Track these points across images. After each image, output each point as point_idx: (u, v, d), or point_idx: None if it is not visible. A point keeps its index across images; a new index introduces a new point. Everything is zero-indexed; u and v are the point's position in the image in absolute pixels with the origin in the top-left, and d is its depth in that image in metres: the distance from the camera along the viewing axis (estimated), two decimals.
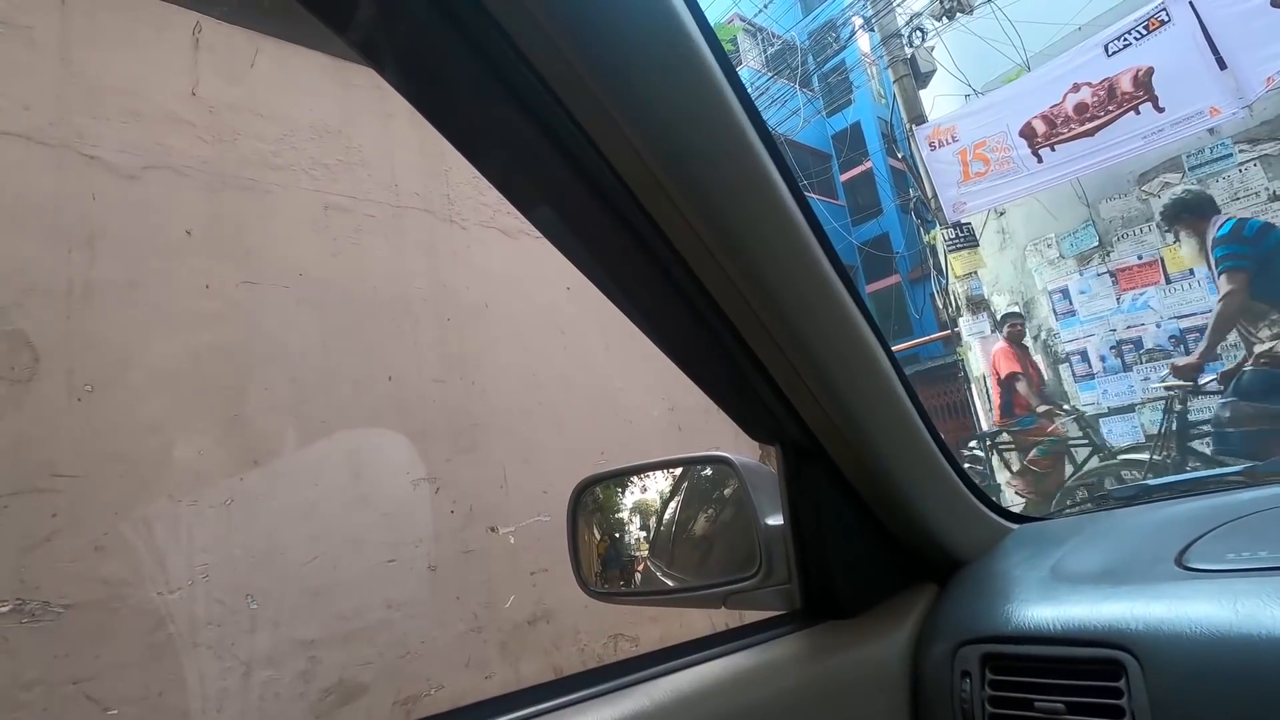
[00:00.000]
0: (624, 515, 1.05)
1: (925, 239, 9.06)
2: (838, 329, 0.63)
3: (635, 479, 1.05)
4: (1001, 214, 7.22)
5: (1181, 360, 5.05)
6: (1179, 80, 5.25)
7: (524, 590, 2.29)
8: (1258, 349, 4.03)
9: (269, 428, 1.90)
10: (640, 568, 1.01)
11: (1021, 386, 5.74)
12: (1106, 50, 5.60)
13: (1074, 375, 6.55)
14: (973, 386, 8.11)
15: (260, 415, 1.89)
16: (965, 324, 6.96)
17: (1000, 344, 6.04)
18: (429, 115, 0.49)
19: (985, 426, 8.07)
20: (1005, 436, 6.04)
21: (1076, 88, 5.80)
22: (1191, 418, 4.49)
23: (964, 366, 8.62)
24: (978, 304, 6.82)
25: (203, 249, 1.90)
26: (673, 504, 1.00)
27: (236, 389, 1.87)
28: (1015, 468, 5.94)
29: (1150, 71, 5.39)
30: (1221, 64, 5.08)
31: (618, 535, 1.07)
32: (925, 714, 0.70)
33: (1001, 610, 0.69)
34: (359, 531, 1.99)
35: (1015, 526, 0.90)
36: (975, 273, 6.88)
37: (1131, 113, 5.52)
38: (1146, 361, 6.01)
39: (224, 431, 1.82)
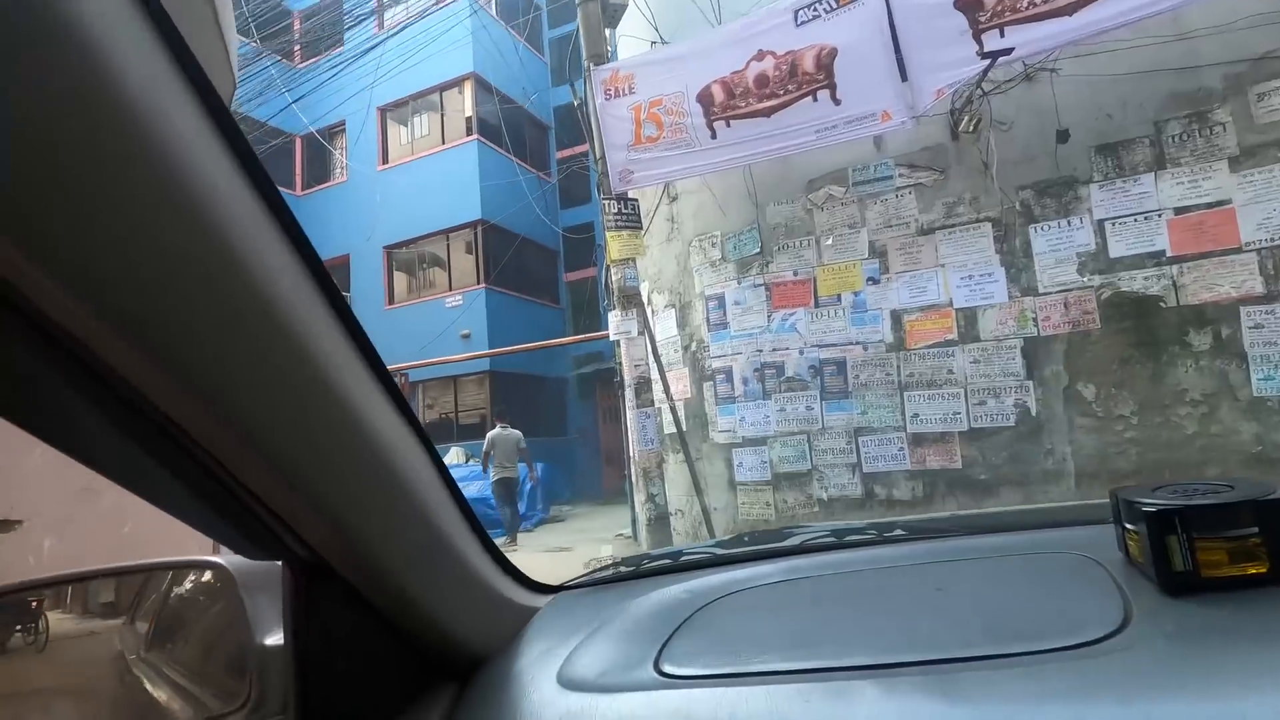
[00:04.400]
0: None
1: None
2: (331, 436, 0.52)
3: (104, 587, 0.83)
4: (674, 199, 6.17)
5: None
6: (859, 70, 4.51)
7: None
8: None
9: None
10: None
11: None
12: (796, 18, 4.69)
13: (716, 396, 5.69)
14: (624, 394, 7.04)
15: None
16: (614, 319, 5.72)
17: None
18: None
19: (633, 439, 7.02)
20: None
21: (761, 55, 4.82)
22: None
23: (619, 370, 7.56)
24: (630, 298, 5.62)
25: None
26: (157, 616, 0.86)
27: None
28: None
29: (834, 53, 4.58)
30: (901, 65, 4.42)
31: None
32: None
33: None
34: None
35: (543, 602, 0.87)
36: (633, 260, 5.68)
37: (809, 98, 4.68)
38: (785, 391, 5.33)
39: None
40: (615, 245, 5.62)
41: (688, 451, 5.60)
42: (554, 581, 0.94)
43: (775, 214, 5.48)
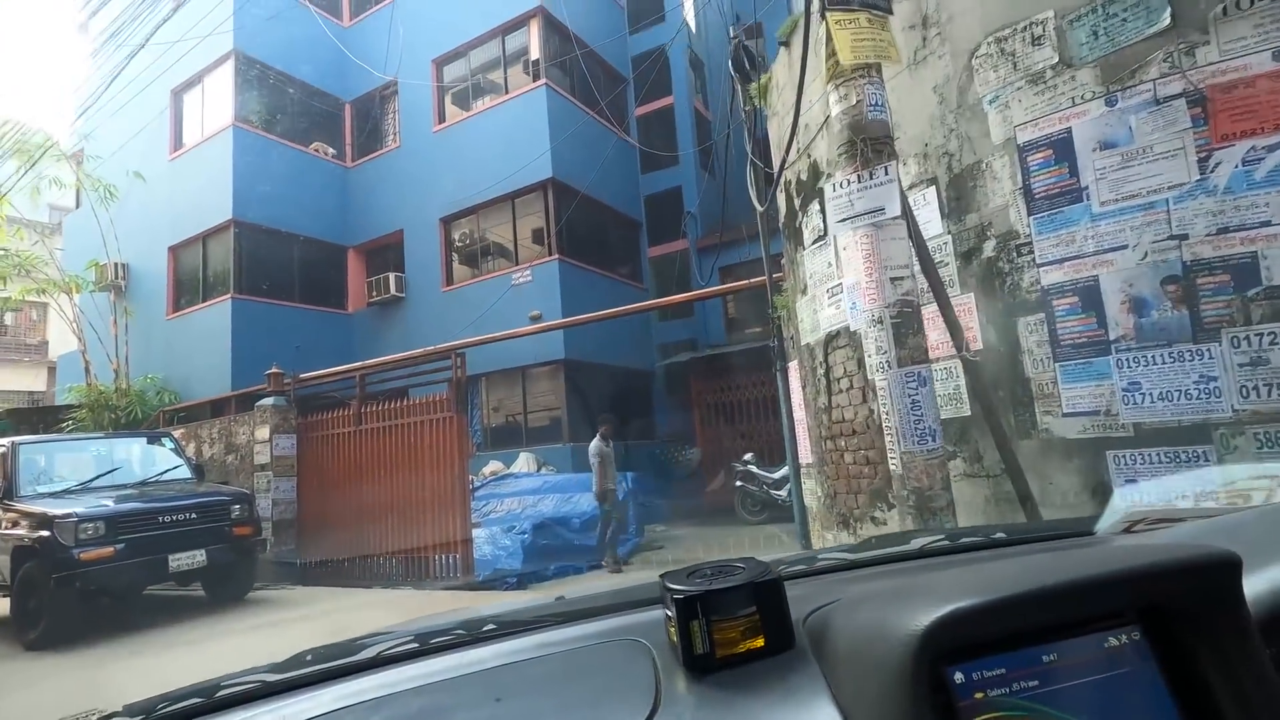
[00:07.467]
0: None
1: (754, 87, 5.01)
2: None
3: None
4: None
5: None
6: None
7: None
8: None
9: None
10: None
11: None
12: None
13: (1054, 342, 2.78)
14: (790, 361, 4.16)
15: None
16: (839, 196, 2.87)
17: None
18: None
19: (808, 440, 4.28)
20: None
21: None
22: None
23: (778, 320, 4.67)
24: (879, 145, 2.78)
25: None
26: None
27: None
28: None
29: None
30: None
31: None
32: None
33: None
34: None
35: None
36: (878, 72, 2.85)
37: None
38: (1258, 321, 2.38)
39: None
40: (846, 41, 2.79)
41: (1007, 450, 2.70)
42: None
43: None
